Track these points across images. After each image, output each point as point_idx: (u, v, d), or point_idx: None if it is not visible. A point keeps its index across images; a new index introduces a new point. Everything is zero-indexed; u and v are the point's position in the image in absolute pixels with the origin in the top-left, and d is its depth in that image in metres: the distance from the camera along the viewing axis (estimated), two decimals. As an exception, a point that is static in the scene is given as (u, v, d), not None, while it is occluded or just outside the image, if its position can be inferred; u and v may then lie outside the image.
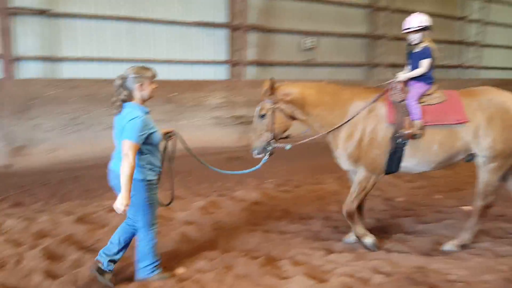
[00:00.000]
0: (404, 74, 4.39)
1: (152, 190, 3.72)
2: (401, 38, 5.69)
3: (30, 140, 8.33)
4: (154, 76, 3.65)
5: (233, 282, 3.86)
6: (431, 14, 4.59)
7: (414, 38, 4.40)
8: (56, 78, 8.80)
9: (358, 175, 4.37)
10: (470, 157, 4.36)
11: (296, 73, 12.65)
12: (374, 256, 4.35)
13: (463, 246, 4.45)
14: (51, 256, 4.34)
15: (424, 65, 4.32)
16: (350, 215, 4.45)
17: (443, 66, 15.33)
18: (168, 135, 4.03)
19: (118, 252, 3.84)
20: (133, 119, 3.44)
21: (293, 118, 4.38)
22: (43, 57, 8.86)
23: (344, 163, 4.44)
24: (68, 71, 9.08)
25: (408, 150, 4.23)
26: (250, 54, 11.63)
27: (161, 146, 3.90)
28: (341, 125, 4.27)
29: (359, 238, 4.52)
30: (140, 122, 3.45)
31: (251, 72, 11.79)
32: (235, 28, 11.14)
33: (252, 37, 11.66)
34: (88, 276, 3.90)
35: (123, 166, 3.39)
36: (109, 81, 3.88)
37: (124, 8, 9.60)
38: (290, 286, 3.77)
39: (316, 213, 5.74)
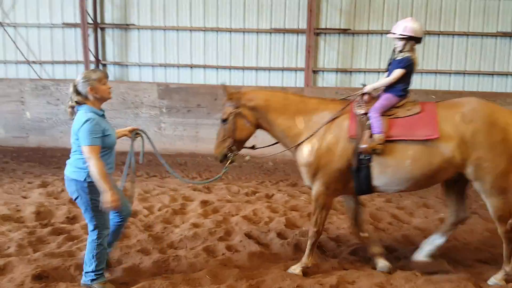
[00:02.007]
0: (371, 85, 4.10)
1: (96, 192, 3.54)
2: None
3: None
4: (103, 77, 3.63)
5: (421, 284, 3.91)
6: None
7: (397, 45, 4.09)
8: (344, 87, 10.11)
9: (314, 190, 4.08)
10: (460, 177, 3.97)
11: None
12: None
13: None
14: (290, 224, 5.50)
15: (395, 74, 4.00)
16: (316, 238, 4.15)
17: None
18: (134, 133, 4.01)
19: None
20: (84, 123, 3.48)
21: (257, 126, 4.19)
22: (338, 69, 10.36)
23: (304, 177, 4.14)
24: (358, 81, 10.25)
25: (375, 167, 3.89)
26: None
27: (128, 144, 4.00)
28: (308, 138, 4.01)
29: (301, 263, 4.15)
30: (91, 124, 3.48)
31: None
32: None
33: None
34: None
35: (90, 169, 3.46)
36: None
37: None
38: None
39: None
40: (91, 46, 10.84)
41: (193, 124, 10.31)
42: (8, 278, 3.81)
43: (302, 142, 4.06)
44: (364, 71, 10.29)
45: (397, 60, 4.07)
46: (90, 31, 10.77)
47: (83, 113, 3.53)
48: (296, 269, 4.12)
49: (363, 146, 3.84)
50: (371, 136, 3.84)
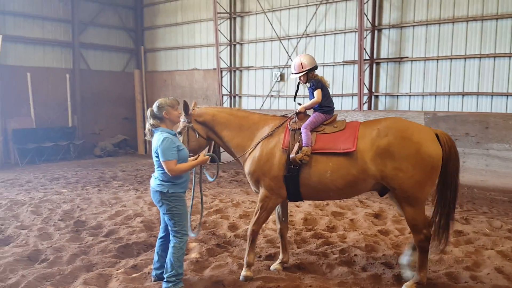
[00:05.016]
0: (303, 105, 4.70)
1: (176, 201, 4.21)
2: None
3: None
4: (175, 104, 4.26)
5: None
6: None
7: (301, 81, 4.82)
8: None
9: (260, 194, 4.61)
10: (382, 190, 4.43)
11: None
12: None
13: None
14: None
15: (316, 95, 4.64)
16: (253, 236, 4.62)
17: None
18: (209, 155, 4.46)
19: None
20: (162, 142, 4.09)
21: (208, 137, 4.83)
22: None
23: (251, 183, 4.73)
24: None
25: (303, 176, 4.42)
26: None
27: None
28: (251, 150, 4.63)
29: (245, 264, 4.64)
30: (167, 142, 4.08)
31: None
32: None
33: None
34: None
35: (179, 174, 4.14)
36: None
37: None
38: None
39: None
40: (366, 80, 11.94)
41: (459, 153, 9.89)
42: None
43: (246, 153, 4.68)
44: None
45: (310, 86, 4.72)
46: (366, 66, 11.89)
47: (160, 134, 4.20)
48: (244, 271, 4.57)
49: (292, 156, 4.36)
50: (300, 148, 4.35)
